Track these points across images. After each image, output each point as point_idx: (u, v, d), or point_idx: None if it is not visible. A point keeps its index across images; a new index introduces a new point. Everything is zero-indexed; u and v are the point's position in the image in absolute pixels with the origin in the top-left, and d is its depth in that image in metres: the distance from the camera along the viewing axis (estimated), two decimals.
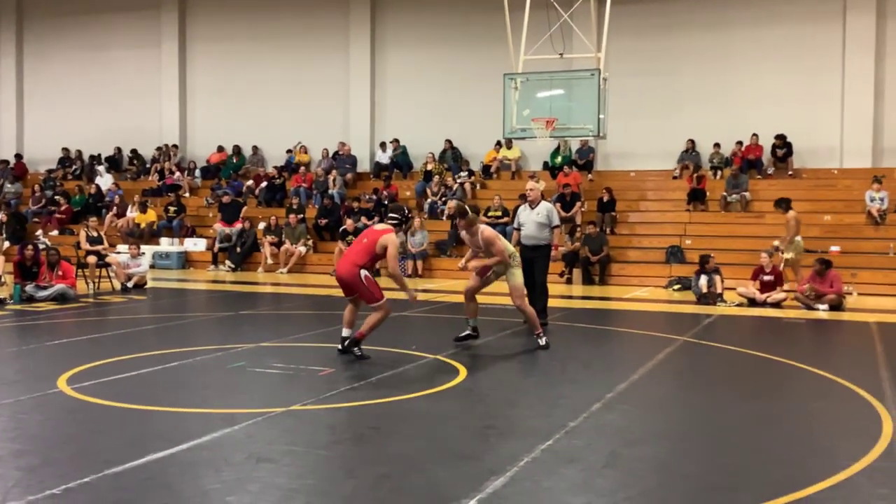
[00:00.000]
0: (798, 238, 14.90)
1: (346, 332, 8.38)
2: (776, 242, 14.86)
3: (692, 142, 20.21)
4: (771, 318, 12.41)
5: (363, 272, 8.20)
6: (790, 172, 19.48)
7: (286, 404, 6.27)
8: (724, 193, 18.94)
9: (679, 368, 8.49)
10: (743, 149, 19.79)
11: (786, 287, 13.94)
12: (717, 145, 20.02)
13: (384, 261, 8.34)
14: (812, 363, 8.38)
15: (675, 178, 20.14)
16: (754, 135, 19.68)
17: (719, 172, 19.86)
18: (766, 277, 13.77)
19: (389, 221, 8.67)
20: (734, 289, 13.98)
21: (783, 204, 15.17)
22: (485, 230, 9.08)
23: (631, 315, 12.96)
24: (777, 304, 13.43)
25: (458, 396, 6.86)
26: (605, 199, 18.99)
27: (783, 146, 19.54)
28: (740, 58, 19.94)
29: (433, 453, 5.25)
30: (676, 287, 15.93)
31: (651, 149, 20.43)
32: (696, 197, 19.11)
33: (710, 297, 13.78)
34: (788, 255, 14.74)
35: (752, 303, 13.57)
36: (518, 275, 9.11)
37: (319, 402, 6.42)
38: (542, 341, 9.07)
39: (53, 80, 25.93)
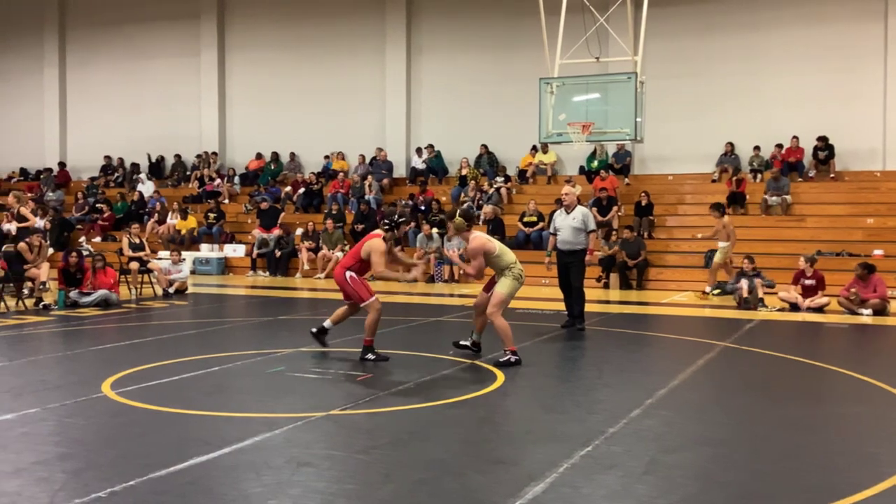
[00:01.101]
0: (725, 244, 14.95)
1: (326, 323, 8.91)
2: (700, 235, 14.96)
3: (731, 144, 19.99)
4: (813, 324, 12.23)
5: (349, 273, 8.49)
6: (832, 175, 19.19)
7: (325, 409, 6.31)
8: (765, 196, 18.71)
9: (720, 374, 8.40)
10: (783, 151, 19.53)
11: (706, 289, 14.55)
12: (756, 148, 19.78)
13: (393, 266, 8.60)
14: (855, 368, 8.24)
15: (713, 181, 19.94)
16: (795, 137, 19.43)
17: (759, 175, 19.62)
18: (808, 282, 13.57)
19: (382, 227, 8.81)
20: (775, 293, 13.80)
21: (719, 209, 15.23)
22: (473, 240, 8.51)
23: (669, 320, 12.85)
24: (819, 309, 13.23)
25: (495, 401, 6.85)
26: (643, 202, 18.86)
27: (825, 148, 19.26)
28: (779, 59, 19.69)
29: (471, 458, 5.26)
30: (716, 292, 15.75)
31: (689, 152, 20.25)
32: (736, 200, 18.89)
33: (751, 302, 13.61)
34: (717, 259, 15.01)
35: (794, 308, 13.38)
36: (508, 285, 8.37)
37: (358, 407, 6.46)
38: (513, 359, 8.18)
39: (95, 89, 26.43)
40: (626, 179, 20.40)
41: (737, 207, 18.89)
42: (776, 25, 19.72)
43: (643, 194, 18.98)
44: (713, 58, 20.09)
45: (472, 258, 8.56)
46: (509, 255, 8.57)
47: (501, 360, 8.24)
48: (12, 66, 27.44)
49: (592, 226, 10.94)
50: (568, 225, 10.82)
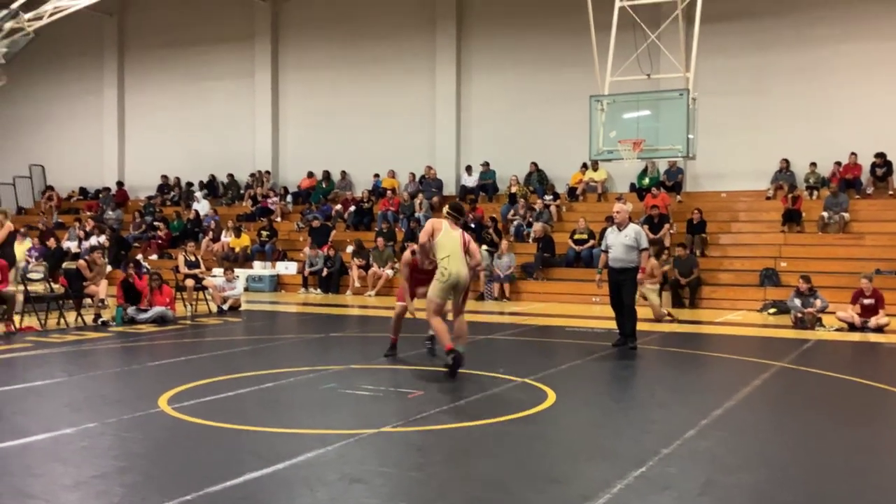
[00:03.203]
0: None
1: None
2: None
3: (786, 161, 19.66)
4: (873, 344, 11.92)
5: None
6: (891, 192, 18.74)
7: (377, 426, 6.34)
8: (823, 214, 18.33)
9: (777, 395, 8.23)
10: (841, 168, 19.14)
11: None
12: (813, 164, 19.42)
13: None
14: None
15: (768, 198, 19.61)
16: (853, 153, 19.04)
17: (815, 192, 19.25)
18: (867, 301, 13.25)
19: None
20: (833, 313, 13.50)
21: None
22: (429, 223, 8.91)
23: (724, 339, 12.64)
24: (879, 329, 12.89)
25: (547, 420, 6.81)
26: (696, 220, 18.63)
27: (883, 165, 18.83)
28: (835, 74, 19.34)
29: (524, 477, 5.22)
30: (772, 311, 15.47)
31: (743, 169, 19.97)
32: (792, 218, 18.55)
33: (808, 322, 13.33)
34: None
35: (852, 327, 13.07)
36: (432, 287, 8.61)
37: (409, 424, 6.47)
38: (449, 359, 8.29)
39: (152, 110, 27.08)
40: (678, 197, 20.18)
41: (793, 225, 18.55)
42: (832, 41, 19.38)
43: (696, 211, 18.75)
44: (767, 73, 19.81)
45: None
46: (443, 250, 8.53)
47: (448, 360, 8.33)
48: (73, 88, 28.26)
49: (645, 244, 10.85)
50: (620, 242, 10.74)
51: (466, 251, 8.64)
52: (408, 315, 9.77)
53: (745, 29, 20.00)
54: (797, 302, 13.68)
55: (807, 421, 6.96)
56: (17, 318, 12.55)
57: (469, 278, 8.71)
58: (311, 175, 24.63)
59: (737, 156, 19.90)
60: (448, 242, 8.57)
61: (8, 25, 16.07)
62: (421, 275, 9.40)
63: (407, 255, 9.63)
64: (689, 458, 5.61)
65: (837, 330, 13.05)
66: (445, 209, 8.96)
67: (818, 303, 13.54)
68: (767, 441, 6.26)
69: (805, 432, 6.54)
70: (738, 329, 13.60)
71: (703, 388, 8.70)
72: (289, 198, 24.46)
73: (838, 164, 19.18)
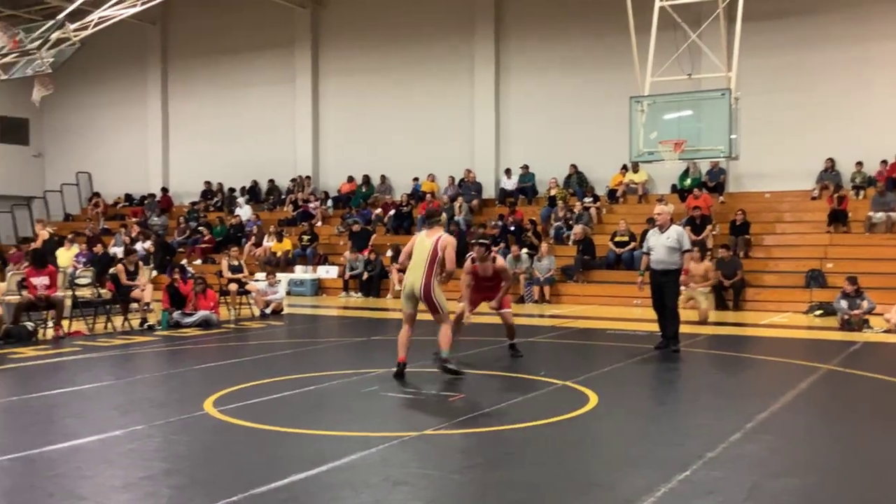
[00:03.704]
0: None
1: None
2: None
3: (831, 160, 19.32)
4: None
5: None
6: None
7: (419, 428, 6.36)
8: (869, 214, 17.99)
9: (823, 398, 8.10)
10: (888, 167, 18.77)
11: None
12: (859, 164, 19.07)
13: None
14: None
15: (813, 198, 19.30)
16: None
17: (861, 192, 18.89)
18: None
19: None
20: (881, 314, 13.23)
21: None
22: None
23: (769, 342, 12.46)
24: None
25: (589, 423, 6.77)
26: (739, 221, 18.39)
27: None
28: (881, 72, 18.97)
29: (566, 480, 5.21)
30: (818, 313, 15.22)
31: (787, 169, 19.67)
32: (838, 218, 18.23)
33: (855, 324, 13.09)
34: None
35: None
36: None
37: (451, 427, 6.48)
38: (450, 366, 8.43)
39: (196, 117, 27.48)
40: (721, 197, 19.94)
41: (838, 225, 18.22)
42: (878, 38, 19.01)
43: (739, 212, 18.51)
44: (811, 72, 19.49)
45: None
46: (412, 261, 8.62)
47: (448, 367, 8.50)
48: (118, 97, 28.80)
49: (687, 245, 10.75)
50: (662, 244, 10.65)
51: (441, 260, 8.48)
52: (464, 321, 9.91)
53: (788, 27, 19.71)
54: (843, 303, 13.44)
55: (854, 425, 6.84)
56: (65, 323, 12.81)
57: (423, 294, 8.52)
58: (350, 179, 24.79)
59: (781, 155, 19.61)
60: (416, 253, 8.60)
61: (55, 35, 16.42)
62: (484, 282, 9.65)
63: (467, 263, 9.86)
64: (734, 462, 5.54)
65: (885, 332, 12.79)
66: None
67: (865, 304, 13.29)
68: (814, 445, 6.16)
69: (853, 436, 6.43)
70: (784, 331, 13.39)
71: (747, 391, 8.58)
72: (329, 202, 24.65)
73: (884, 162, 18.81)
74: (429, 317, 8.83)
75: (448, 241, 8.53)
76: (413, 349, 8.78)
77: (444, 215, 9.48)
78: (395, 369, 8.55)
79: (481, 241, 9.97)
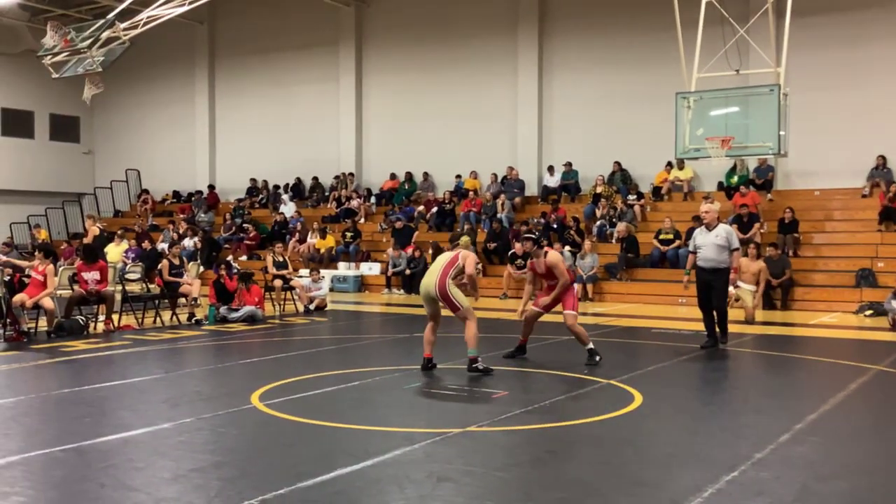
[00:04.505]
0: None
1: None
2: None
3: (883, 157, 18.90)
4: None
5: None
6: None
7: (462, 425, 6.37)
8: None
9: (875, 399, 7.94)
10: None
11: None
12: None
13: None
14: None
15: (864, 196, 18.90)
16: None
17: None
18: None
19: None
20: None
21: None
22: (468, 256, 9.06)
23: (818, 342, 12.24)
24: None
25: (634, 422, 6.73)
26: (787, 219, 18.09)
27: None
28: None
29: (611, 479, 5.19)
30: (868, 313, 14.91)
31: (837, 166, 19.29)
32: (889, 216, 17.83)
33: None
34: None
35: None
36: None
37: (495, 424, 6.49)
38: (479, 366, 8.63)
39: (242, 116, 27.81)
40: (769, 195, 19.62)
41: (890, 224, 17.83)
42: None
43: (787, 210, 18.21)
44: (861, 67, 19.08)
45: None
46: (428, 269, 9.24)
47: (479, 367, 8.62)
48: (167, 96, 29.27)
49: (736, 244, 10.65)
50: (711, 243, 10.54)
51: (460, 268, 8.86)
52: (520, 317, 9.83)
53: (838, 22, 19.31)
54: (894, 303, 13.15)
55: None
56: (115, 317, 13.06)
57: (441, 295, 8.85)
58: (393, 177, 24.89)
59: (830, 152, 19.24)
60: (435, 263, 9.15)
61: (105, 35, 16.72)
62: (546, 280, 9.45)
63: (530, 262, 9.69)
64: (783, 463, 5.47)
65: None
66: (467, 240, 9.58)
67: None
68: (865, 448, 6.05)
69: None
70: (833, 331, 13.15)
71: (796, 391, 8.45)
72: (372, 199, 24.77)
73: None
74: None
75: (468, 254, 8.98)
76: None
77: (464, 238, 9.46)
78: (421, 364, 8.88)
79: (528, 234, 9.55)
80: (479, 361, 8.62)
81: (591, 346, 9.36)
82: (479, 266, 9.74)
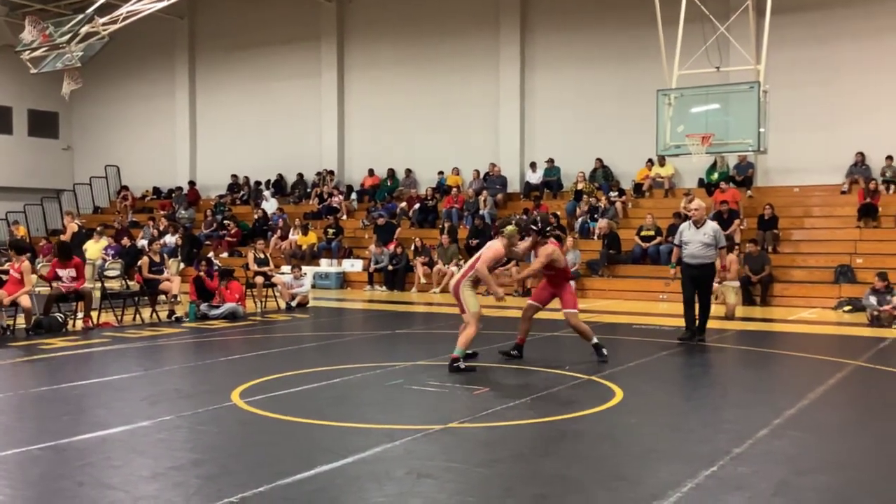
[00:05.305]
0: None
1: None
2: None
3: (862, 154, 19.07)
4: None
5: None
6: None
7: (443, 422, 6.37)
8: None
9: (853, 395, 8.01)
10: None
11: None
12: (889, 157, 18.80)
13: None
14: None
15: (843, 192, 19.06)
16: None
17: (892, 186, 18.63)
18: None
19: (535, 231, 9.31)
20: None
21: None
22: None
23: (797, 338, 12.33)
24: None
25: (615, 418, 6.75)
26: (767, 215, 18.21)
27: None
28: None
29: (592, 474, 5.20)
30: (847, 308, 15.05)
31: (816, 163, 19.44)
32: (868, 213, 18.00)
33: (885, 320, 12.93)
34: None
35: None
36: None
37: (476, 421, 6.49)
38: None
39: (223, 111, 27.65)
40: (749, 192, 19.75)
41: (868, 220, 17.99)
42: None
43: (767, 207, 18.34)
44: (841, 66, 19.23)
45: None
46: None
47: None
48: (146, 90, 29.03)
49: (723, 242, 10.84)
50: (698, 240, 10.65)
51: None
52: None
53: (818, 20, 19.45)
54: (873, 299, 13.28)
55: (884, 421, 6.76)
56: (94, 314, 12.96)
57: (454, 292, 8.90)
58: (372, 173, 24.83)
59: (810, 149, 19.38)
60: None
61: (84, 29, 16.56)
62: (552, 274, 9.33)
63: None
64: (762, 458, 5.50)
65: None
66: (514, 230, 9.04)
67: (895, 300, 13.12)
68: (844, 442, 6.10)
69: (882, 433, 6.36)
70: (812, 327, 13.26)
71: (775, 386, 8.51)
72: (353, 195, 24.70)
73: None
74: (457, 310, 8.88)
75: (490, 245, 8.92)
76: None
77: (509, 228, 9.05)
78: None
79: (531, 224, 9.41)
80: (461, 362, 8.57)
81: (595, 340, 9.36)
82: (503, 260, 9.46)
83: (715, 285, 12.36)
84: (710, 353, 10.36)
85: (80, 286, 12.66)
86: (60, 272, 12.56)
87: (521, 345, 9.49)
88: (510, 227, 8.87)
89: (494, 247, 8.84)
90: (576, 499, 4.70)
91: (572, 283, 9.72)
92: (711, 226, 10.81)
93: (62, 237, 18.24)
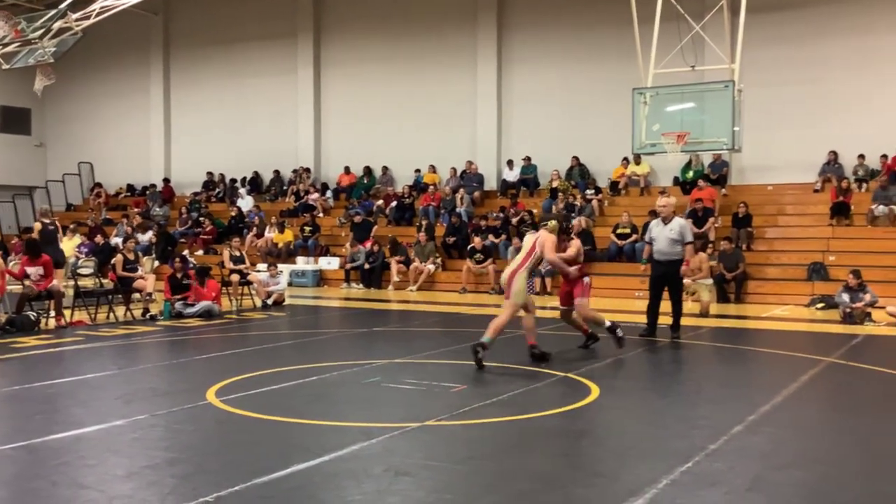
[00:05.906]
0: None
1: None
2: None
3: (834, 153, 19.28)
4: None
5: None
6: None
7: (421, 419, 6.37)
8: (872, 207, 17.96)
9: (826, 391, 8.11)
10: (889, 160, 18.72)
11: None
12: (861, 156, 19.04)
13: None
14: None
15: (816, 191, 19.27)
16: None
17: (864, 185, 18.86)
18: None
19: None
20: (883, 307, 13.22)
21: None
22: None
23: (770, 335, 12.46)
24: None
25: (592, 415, 6.78)
26: (741, 213, 18.37)
27: None
28: (885, 65, 18.88)
29: (570, 471, 5.22)
30: (820, 306, 15.21)
31: (789, 161, 19.63)
32: (840, 211, 18.20)
33: (857, 317, 13.08)
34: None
35: None
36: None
37: (454, 418, 6.49)
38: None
39: (197, 108, 27.42)
40: (724, 190, 19.91)
41: (841, 218, 18.20)
42: (881, 31, 18.91)
43: (741, 205, 18.49)
44: (814, 65, 19.42)
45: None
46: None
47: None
48: (120, 86, 28.71)
49: (689, 238, 10.83)
50: (665, 236, 10.71)
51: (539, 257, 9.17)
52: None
53: (792, 19, 19.64)
54: (845, 297, 13.43)
55: (856, 417, 6.84)
56: (67, 313, 12.82)
57: (508, 279, 9.07)
58: (348, 171, 24.76)
59: (783, 148, 19.56)
60: (521, 250, 9.31)
61: (57, 25, 16.38)
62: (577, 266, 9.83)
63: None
64: (736, 454, 5.55)
65: (887, 325, 12.78)
66: (555, 225, 9.39)
67: (867, 297, 13.28)
68: (817, 437, 6.17)
69: (855, 428, 6.43)
70: (786, 324, 13.40)
71: (749, 383, 8.59)
72: (328, 193, 24.61)
73: (884, 156, 18.76)
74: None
75: (545, 237, 9.12)
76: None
77: (552, 222, 9.31)
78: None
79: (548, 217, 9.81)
80: (481, 353, 8.59)
81: (609, 324, 9.79)
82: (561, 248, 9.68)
83: (688, 282, 12.46)
84: (685, 349, 10.43)
85: (49, 285, 12.49)
86: (29, 270, 12.41)
87: (588, 332, 10.02)
88: (553, 223, 9.33)
89: (543, 237, 9.13)
90: (554, 496, 4.72)
91: (586, 278, 10.08)
92: (678, 222, 10.91)
93: (32, 235, 18.01)
